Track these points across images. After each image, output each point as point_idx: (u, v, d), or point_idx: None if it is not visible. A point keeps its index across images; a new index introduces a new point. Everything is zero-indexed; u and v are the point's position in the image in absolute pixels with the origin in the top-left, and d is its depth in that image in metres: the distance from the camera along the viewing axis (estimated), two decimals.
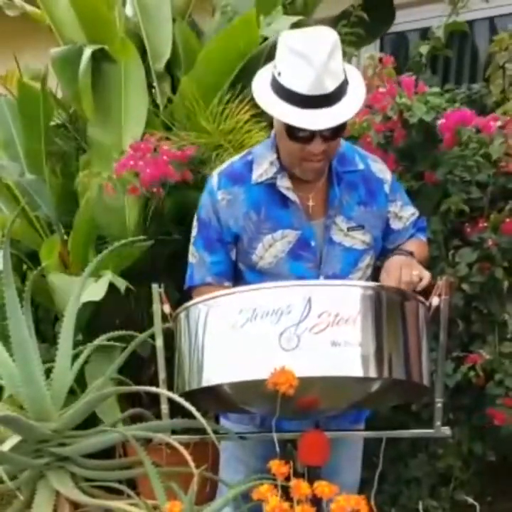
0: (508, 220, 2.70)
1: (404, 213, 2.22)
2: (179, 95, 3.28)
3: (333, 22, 3.66)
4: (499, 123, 2.77)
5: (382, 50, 4.87)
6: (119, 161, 2.86)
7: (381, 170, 2.18)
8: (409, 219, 2.24)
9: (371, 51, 4.72)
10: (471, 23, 4.31)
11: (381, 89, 2.80)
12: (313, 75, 1.81)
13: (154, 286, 1.89)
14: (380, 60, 3.00)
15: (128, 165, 2.82)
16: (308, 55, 1.82)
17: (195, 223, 2.19)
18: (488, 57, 3.22)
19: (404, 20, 4.55)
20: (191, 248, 2.20)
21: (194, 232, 2.19)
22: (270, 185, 2.07)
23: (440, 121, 2.73)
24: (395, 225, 2.21)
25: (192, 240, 2.20)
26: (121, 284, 2.73)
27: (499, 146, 2.73)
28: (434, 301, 1.86)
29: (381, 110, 2.76)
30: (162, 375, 1.90)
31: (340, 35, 3.36)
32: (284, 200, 2.07)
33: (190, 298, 2.07)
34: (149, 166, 2.78)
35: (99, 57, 3.20)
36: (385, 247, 2.22)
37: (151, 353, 2.86)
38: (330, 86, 1.83)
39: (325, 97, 1.83)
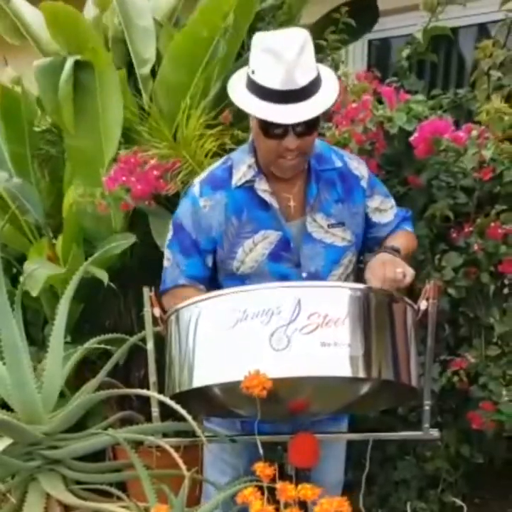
0: (493, 224, 2.72)
1: (385, 206, 2.25)
2: (153, 100, 3.29)
3: (318, 26, 3.68)
4: (475, 132, 2.80)
5: (369, 56, 4.90)
6: (110, 176, 2.88)
7: (357, 167, 2.20)
8: (393, 210, 2.27)
9: (359, 57, 4.78)
10: (458, 29, 4.35)
11: (354, 105, 2.82)
12: (284, 70, 1.85)
13: (145, 290, 1.91)
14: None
15: (119, 180, 2.84)
16: (279, 51, 1.85)
17: (171, 227, 2.21)
18: (474, 63, 3.25)
19: (392, 26, 4.58)
20: (166, 252, 2.21)
21: (169, 235, 2.21)
22: (249, 188, 2.10)
23: (414, 135, 2.73)
24: (378, 218, 2.23)
25: (167, 243, 2.21)
26: (104, 276, 2.73)
27: (472, 157, 2.76)
28: (422, 304, 1.88)
29: (361, 122, 2.77)
30: (153, 378, 1.91)
31: (328, 41, 3.43)
32: (264, 202, 2.10)
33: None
34: (140, 182, 2.81)
35: (76, 68, 3.22)
36: (372, 240, 2.24)
37: (138, 356, 2.89)
38: (301, 81, 1.86)
39: (297, 92, 1.87)
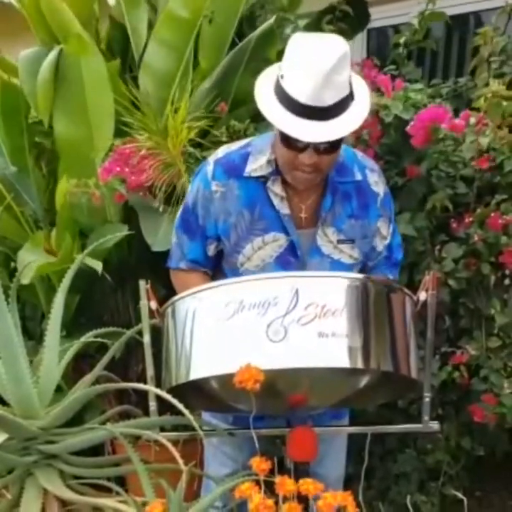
0: (493, 214, 2.70)
1: (386, 232, 2.16)
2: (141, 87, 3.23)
3: (317, 17, 3.66)
4: (473, 120, 2.77)
5: (369, 44, 4.88)
6: (104, 166, 2.85)
7: (377, 182, 2.10)
8: (388, 238, 2.18)
9: (358, 46, 4.76)
10: (458, 16, 4.33)
11: None
12: (313, 86, 1.73)
13: (141, 283, 1.88)
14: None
15: (114, 170, 2.81)
16: (312, 64, 1.74)
17: (183, 204, 2.17)
18: (473, 50, 3.23)
19: (391, 14, 4.56)
20: (174, 230, 2.19)
21: (179, 212, 2.18)
22: (263, 183, 2.02)
23: (411, 124, 2.69)
24: (376, 242, 2.15)
25: (176, 221, 2.19)
26: (98, 266, 2.70)
27: (470, 145, 2.74)
28: (422, 295, 1.86)
29: None
30: (150, 372, 1.89)
31: (323, 31, 3.41)
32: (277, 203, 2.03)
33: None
34: (135, 173, 2.78)
35: (60, 58, 3.17)
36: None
37: (137, 350, 2.88)
38: (328, 100, 1.76)
39: (322, 110, 1.76)
